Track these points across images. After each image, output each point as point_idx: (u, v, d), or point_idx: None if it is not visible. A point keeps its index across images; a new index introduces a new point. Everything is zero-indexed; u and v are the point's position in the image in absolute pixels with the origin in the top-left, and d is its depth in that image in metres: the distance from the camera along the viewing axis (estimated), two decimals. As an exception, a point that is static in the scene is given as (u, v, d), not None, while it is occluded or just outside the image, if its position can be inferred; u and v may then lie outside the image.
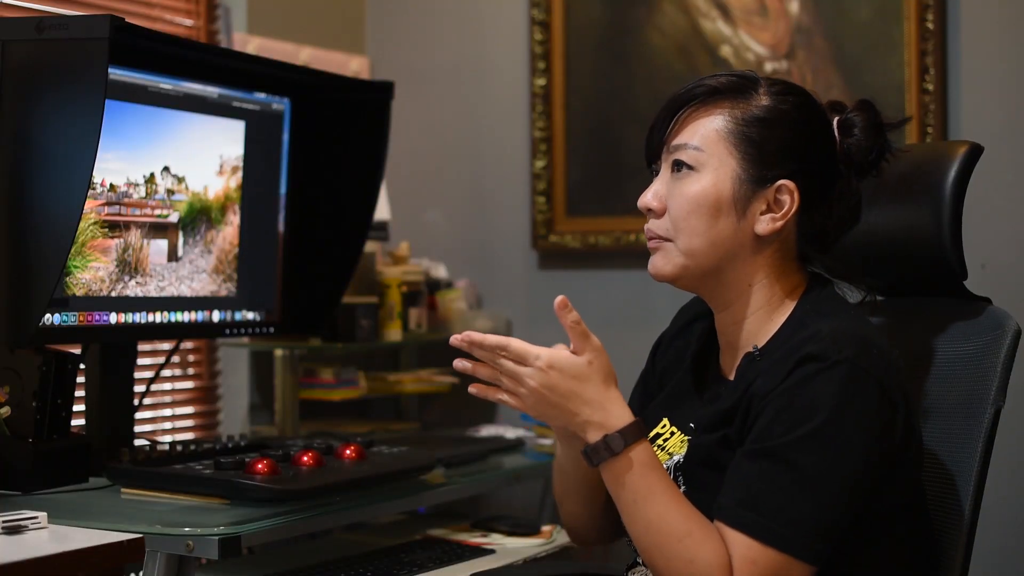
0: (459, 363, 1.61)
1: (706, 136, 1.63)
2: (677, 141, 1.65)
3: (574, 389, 1.56)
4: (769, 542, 1.47)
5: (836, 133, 1.67)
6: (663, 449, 1.71)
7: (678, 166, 1.64)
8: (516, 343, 1.58)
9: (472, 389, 1.61)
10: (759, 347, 1.62)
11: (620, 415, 1.56)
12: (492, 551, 2.43)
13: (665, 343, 1.87)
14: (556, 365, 1.56)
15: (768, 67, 3.07)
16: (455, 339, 1.59)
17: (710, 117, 1.63)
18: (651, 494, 1.53)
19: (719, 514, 1.51)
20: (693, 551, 1.49)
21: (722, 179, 1.61)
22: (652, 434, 1.73)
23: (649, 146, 1.69)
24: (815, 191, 1.64)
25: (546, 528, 2.59)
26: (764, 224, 1.62)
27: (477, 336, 1.58)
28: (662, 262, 1.67)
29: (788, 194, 1.62)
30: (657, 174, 1.69)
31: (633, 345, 3.20)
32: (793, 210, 1.62)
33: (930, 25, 2.90)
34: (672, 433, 1.71)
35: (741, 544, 1.48)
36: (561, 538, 2.57)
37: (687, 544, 1.50)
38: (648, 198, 1.67)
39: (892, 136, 1.70)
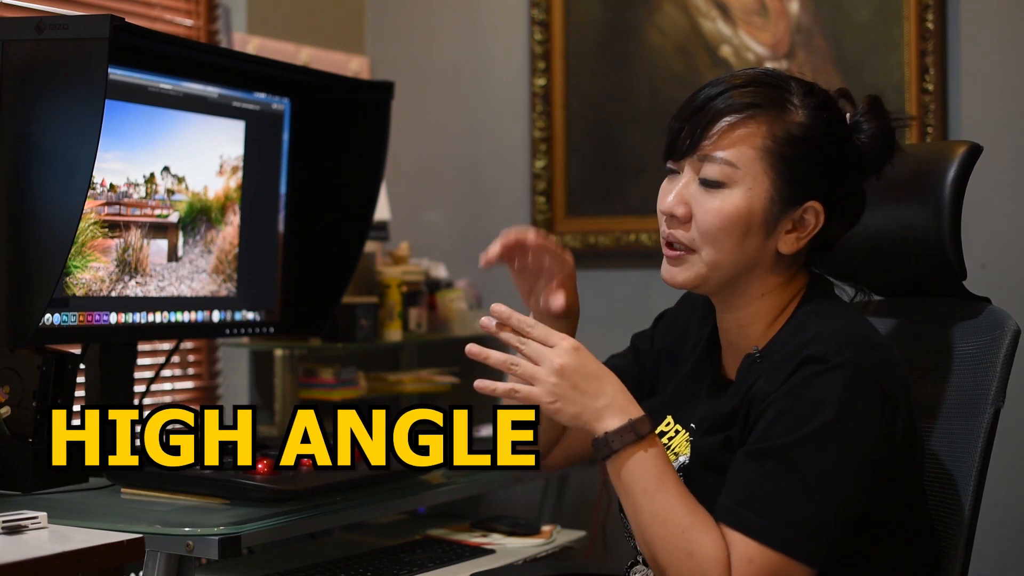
0: (485, 320, 1.63)
1: (743, 153, 1.58)
2: (713, 152, 1.59)
3: (598, 372, 1.57)
4: (768, 542, 1.47)
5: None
6: (669, 449, 1.70)
7: (709, 180, 1.59)
8: (541, 325, 1.60)
9: (478, 384, 1.60)
10: (760, 348, 1.62)
11: (639, 408, 1.57)
12: (492, 551, 2.43)
13: (667, 320, 1.86)
14: (582, 348, 1.58)
15: (768, 67, 3.07)
16: (486, 320, 1.63)
17: (748, 132, 1.58)
18: (662, 484, 1.53)
19: (719, 514, 1.51)
20: (693, 544, 1.49)
21: (755, 198, 1.58)
22: (656, 432, 1.73)
23: (674, 148, 1.62)
24: (839, 206, 1.63)
25: (546, 528, 2.59)
26: (788, 243, 1.61)
27: (506, 312, 1.60)
28: (685, 272, 1.62)
29: (814, 215, 1.60)
30: (675, 174, 1.64)
31: (633, 345, 3.20)
32: (817, 230, 1.61)
33: (930, 25, 2.90)
34: (677, 432, 1.71)
35: (740, 544, 1.48)
36: (561, 538, 2.57)
37: (688, 536, 1.50)
38: (672, 202, 1.61)
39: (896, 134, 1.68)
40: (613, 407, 1.56)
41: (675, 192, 1.61)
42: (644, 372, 1.83)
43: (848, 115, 1.65)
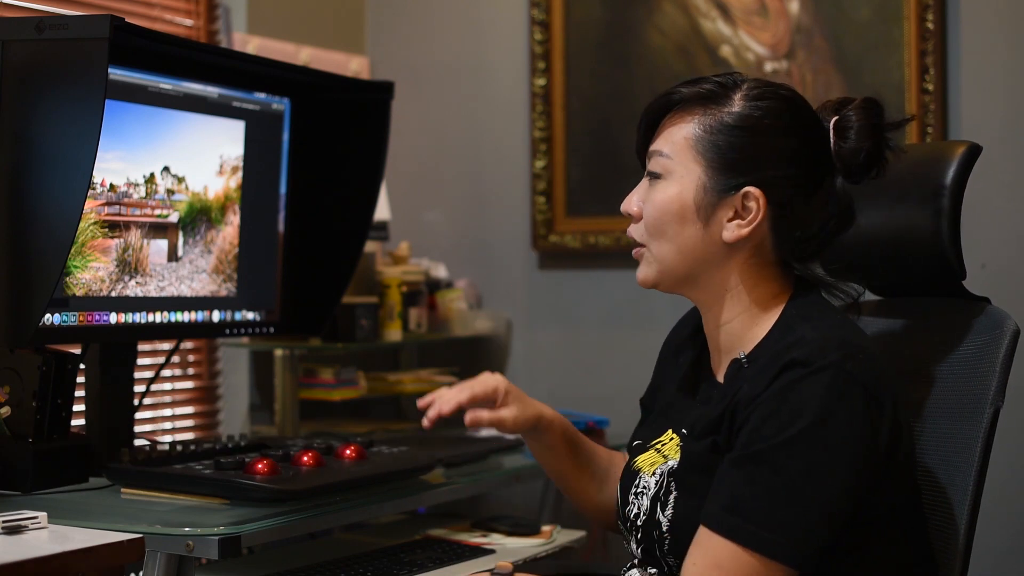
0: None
1: (675, 143, 1.65)
2: (652, 148, 1.68)
3: None
4: (754, 547, 1.47)
5: (831, 134, 1.65)
6: (659, 452, 1.71)
7: (651, 173, 1.68)
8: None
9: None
10: (746, 353, 1.62)
11: None
12: (492, 551, 2.42)
13: (660, 373, 1.88)
14: None
15: (768, 67, 3.07)
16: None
17: (681, 125, 1.65)
18: None
19: (704, 520, 1.51)
20: None
21: (686, 187, 1.63)
22: (654, 442, 1.74)
23: (636, 151, 1.74)
24: (790, 197, 1.62)
25: (546, 528, 2.59)
26: (731, 231, 1.63)
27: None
28: (641, 270, 1.71)
29: (754, 201, 1.61)
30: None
31: (633, 345, 3.20)
32: (760, 217, 1.61)
33: (930, 25, 2.90)
34: (671, 438, 1.72)
35: (720, 549, 1.48)
36: (561, 538, 2.57)
37: None
38: (627, 202, 1.71)
39: (894, 135, 1.68)
40: None
41: (633, 193, 1.71)
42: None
43: (834, 119, 1.66)
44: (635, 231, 1.70)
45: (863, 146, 1.63)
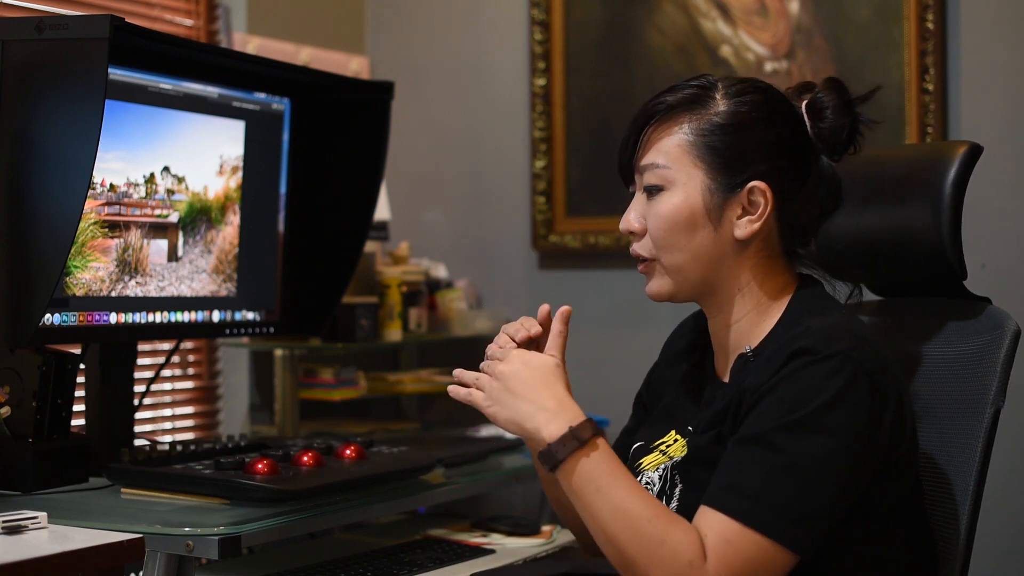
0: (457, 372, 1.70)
1: (670, 153, 1.64)
2: (644, 162, 1.66)
3: (541, 380, 1.61)
4: (750, 524, 1.47)
5: (805, 117, 1.68)
6: (664, 453, 1.71)
7: (649, 186, 1.66)
8: (510, 344, 1.67)
9: (450, 390, 1.67)
10: (752, 348, 1.63)
11: (579, 412, 1.59)
12: (492, 551, 2.42)
13: (658, 374, 1.87)
14: (526, 354, 1.64)
15: (768, 67, 3.07)
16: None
17: (669, 135, 1.64)
18: (614, 479, 1.53)
19: (705, 498, 1.51)
20: (662, 532, 1.49)
21: (692, 193, 1.63)
22: (657, 443, 1.74)
23: (621, 169, 1.70)
24: (789, 185, 1.65)
25: (546, 528, 2.59)
26: (742, 228, 1.63)
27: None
28: (655, 284, 1.69)
29: (761, 194, 1.63)
30: (635, 194, 1.70)
31: (633, 345, 3.20)
32: (769, 209, 1.63)
33: (930, 25, 2.90)
34: (675, 440, 1.72)
35: (720, 525, 1.48)
36: (561, 538, 2.57)
37: (656, 525, 1.49)
38: (627, 221, 1.68)
39: (872, 113, 1.70)
40: (548, 412, 1.58)
41: (630, 210, 1.68)
42: (646, 420, 1.84)
43: (805, 102, 1.69)
44: (642, 248, 1.68)
45: (843, 123, 1.67)
